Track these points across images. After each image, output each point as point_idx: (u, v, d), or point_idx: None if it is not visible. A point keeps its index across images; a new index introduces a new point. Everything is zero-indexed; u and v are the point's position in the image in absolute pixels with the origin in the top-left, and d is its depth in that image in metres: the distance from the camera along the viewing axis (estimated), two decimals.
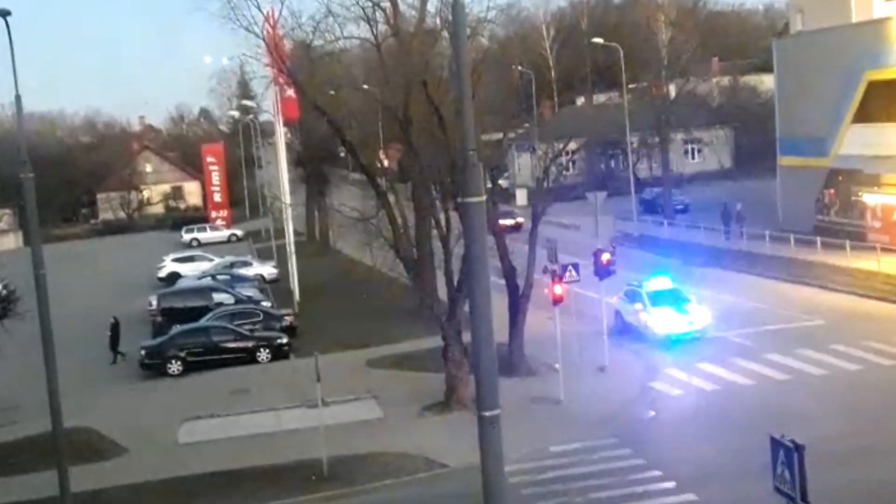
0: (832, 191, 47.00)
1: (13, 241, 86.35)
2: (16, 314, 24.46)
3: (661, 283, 33.91)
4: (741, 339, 31.90)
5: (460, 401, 26.81)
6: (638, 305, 33.40)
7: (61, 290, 38.64)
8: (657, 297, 33.16)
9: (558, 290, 27.35)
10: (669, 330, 32.27)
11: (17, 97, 22.74)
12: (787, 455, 11.32)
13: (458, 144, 18.37)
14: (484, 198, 11.23)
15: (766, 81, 73.93)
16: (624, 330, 32.96)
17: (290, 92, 43.71)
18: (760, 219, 49.04)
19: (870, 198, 43.85)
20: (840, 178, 46.11)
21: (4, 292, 24.49)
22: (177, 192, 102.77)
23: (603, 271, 29.48)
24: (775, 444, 11.53)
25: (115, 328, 38.18)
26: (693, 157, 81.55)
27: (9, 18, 22.09)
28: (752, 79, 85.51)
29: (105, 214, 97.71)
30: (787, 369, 28.23)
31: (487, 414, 11.05)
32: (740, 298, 37.79)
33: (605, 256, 29.43)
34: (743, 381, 27.69)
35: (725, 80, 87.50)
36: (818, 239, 43.03)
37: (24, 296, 23.81)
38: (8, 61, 22.00)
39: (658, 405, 26.18)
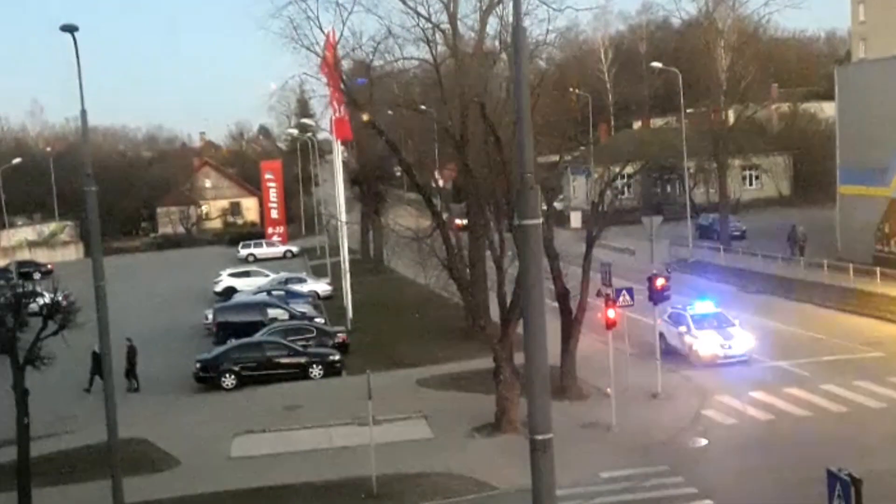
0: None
1: (74, 252, 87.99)
2: (75, 325, 24.84)
3: (706, 305, 33.86)
4: (797, 369, 31.43)
5: (511, 423, 26.72)
6: (682, 328, 33.25)
7: (120, 301, 39.34)
8: (701, 321, 33.09)
9: (611, 314, 27.18)
10: (713, 353, 32.12)
11: (83, 111, 23.20)
12: (844, 489, 11.12)
13: (514, 167, 18.41)
14: (540, 220, 11.26)
15: (827, 109, 73.17)
16: (667, 353, 32.71)
17: (348, 111, 44.10)
18: (819, 247, 48.41)
19: None
20: None
21: (64, 303, 24.87)
22: (234, 208, 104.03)
23: (657, 296, 29.27)
24: (832, 477, 11.34)
25: (131, 352, 36.07)
26: (751, 184, 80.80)
27: (75, 34, 22.63)
28: (812, 106, 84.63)
29: (164, 228, 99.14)
30: (845, 401, 27.73)
31: (540, 438, 11.03)
32: (797, 327, 37.28)
33: (660, 281, 29.22)
34: (798, 412, 27.25)
35: (785, 107, 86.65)
36: (878, 269, 42.34)
37: (84, 307, 24.18)
38: (75, 76, 22.47)
39: (711, 434, 25.87)
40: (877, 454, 22.84)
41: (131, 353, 36.07)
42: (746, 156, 73.39)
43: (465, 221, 35.76)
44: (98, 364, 34.52)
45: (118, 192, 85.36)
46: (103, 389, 22.97)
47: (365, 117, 31.97)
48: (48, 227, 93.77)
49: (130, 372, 36.00)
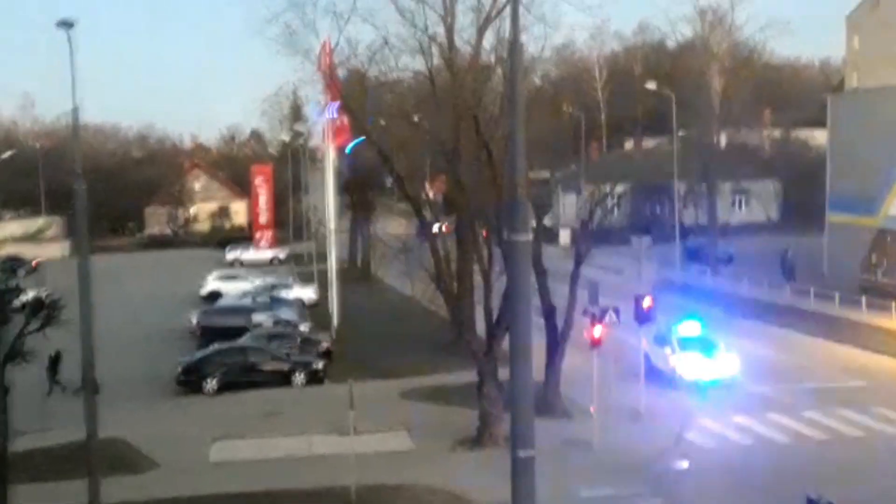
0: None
1: (60, 249, 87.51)
2: (58, 323, 24.67)
3: (691, 326, 33.87)
4: (780, 395, 31.47)
5: (493, 438, 26.65)
6: (667, 349, 33.27)
7: (104, 301, 39.01)
8: (686, 342, 33.12)
9: (597, 332, 27.17)
10: (697, 375, 32.19)
11: (75, 108, 23.12)
12: None
13: (506, 181, 18.38)
14: (530, 236, 11.24)
15: (818, 136, 73.50)
16: (651, 373, 32.67)
17: (342, 119, 44.05)
18: (806, 274, 48.55)
19: None
20: (889, 238, 45.53)
21: (49, 300, 24.70)
22: (223, 211, 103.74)
23: (643, 316, 29.28)
24: (811, 503, 11.35)
25: (54, 360, 34.62)
26: (740, 208, 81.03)
27: (71, 30, 22.54)
28: (803, 133, 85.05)
29: (151, 229, 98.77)
30: (826, 429, 27.78)
31: (522, 454, 11.00)
32: (781, 353, 37.36)
33: (647, 302, 29.23)
34: (780, 438, 27.28)
35: (776, 133, 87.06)
36: (864, 298, 42.46)
37: (68, 305, 24.02)
38: (68, 72, 22.39)
39: (692, 456, 25.83)
40: (856, 482, 22.85)
41: (54, 360, 34.64)
42: (736, 180, 73.62)
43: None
44: (54, 366, 34.36)
45: (107, 190, 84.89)
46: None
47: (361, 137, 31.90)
48: (35, 224, 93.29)
49: (52, 377, 34.77)
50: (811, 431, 27.68)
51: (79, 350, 22.49)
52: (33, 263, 71.36)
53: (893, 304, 40.49)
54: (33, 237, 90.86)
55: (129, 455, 27.44)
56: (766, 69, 74.77)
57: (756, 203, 79.81)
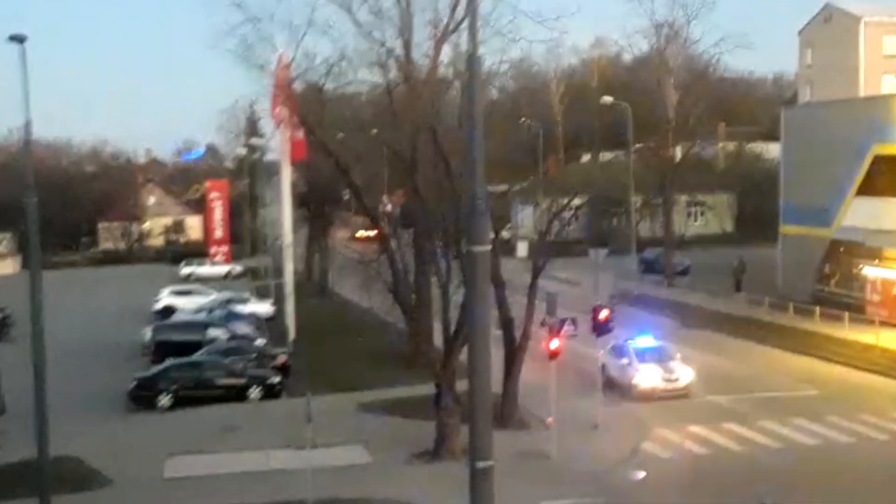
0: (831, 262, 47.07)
1: (11, 265, 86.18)
2: (9, 339, 24.32)
3: (645, 342, 34.12)
4: (735, 405, 31.72)
5: (450, 450, 26.56)
6: (624, 361, 33.44)
7: (57, 317, 38.53)
8: (643, 354, 33.34)
9: (555, 344, 27.22)
10: (653, 386, 32.36)
11: (28, 123, 22.85)
12: None
13: (464, 193, 18.39)
14: (489, 247, 11.23)
15: (772, 149, 74.40)
16: (608, 384, 32.80)
17: (299, 132, 43.83)
18: (760, 285, 49.03)
19: (870, 271, 43.85)
20: (841, 249, 46.16)
21: (0, 316, 24.37)
22: (178, 226, 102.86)
23: (601, 328, 29.39)
24: None
25: None
26: (695, 220, 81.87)
27: (24, 44, 22.26)
28: (757, 146, 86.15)
29: (105, 244, 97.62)
30: (780, 438, 28.04)
31: (480, 465, 10.96)
32: (736, 363, 37.68)
33: (604, 313, 29.34)
34: (735, 447, 27.48)
35: (731, 146, 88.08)
36: (817, 309, 42.99)
37: (19, 321, 23.68)
38: (20, 87, 22.11)
39: (649, 466, 25.92)
40: (810, 489, 23.09)
41: None
42: (692, 192, 74.35)
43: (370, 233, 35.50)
44: None
45: (60, 205, 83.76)
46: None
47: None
48: None
49: None
50: (766, 440, 27.91)
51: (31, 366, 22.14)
52: None
53: (846, 314, 41.04)
54: None
55: (81, 472, 26.97)
56: (720, 83, 75.56)
57: (711, 215, 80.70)
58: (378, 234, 30.30)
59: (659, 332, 36.19)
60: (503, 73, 36.81)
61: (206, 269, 78.75)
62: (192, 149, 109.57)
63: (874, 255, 43.53)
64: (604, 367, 32.84)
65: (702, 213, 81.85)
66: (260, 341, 42.67)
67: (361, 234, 35.77)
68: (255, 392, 34.85)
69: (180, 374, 35.01)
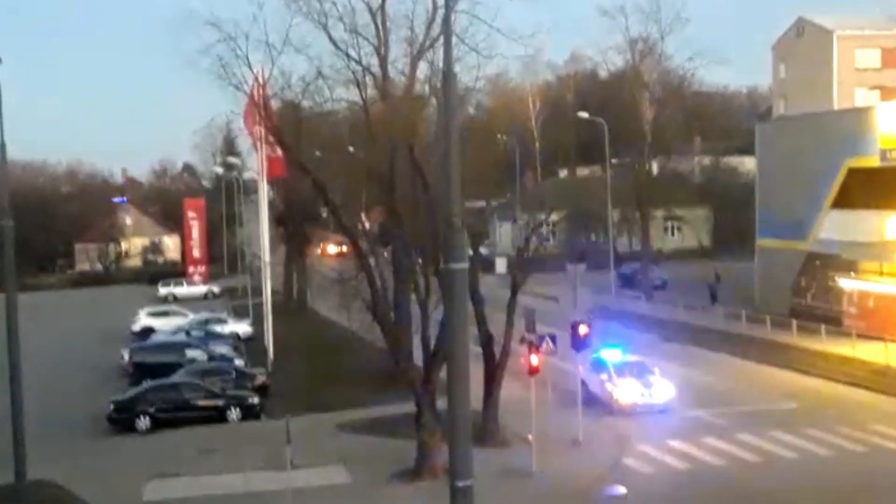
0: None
1: None
2: None
3: (613, 354, 34.19)
4: (714, 419, 31.78)
5: (431, 469, 26.44)
6: (603, 376, 33.47)
7: (33, 339, 38.26)
8: (622, 369, 33.39)
9: (534, 360, 27.19)
10: (633, 401, 32.40)
11: (2, 145, 22.75)
12: None
13: (441, 210, 18.39)
14: (467, 264, 11.21)
15: (748, 163, 75.03)
16: (588, 400, 32.81)
17: (276, 151, 43.74)
18: (737, 299, 49.23)
19: (846, 283, 44.13)
20: (817, 262, 46.44)
21: None
22: (155, 246, 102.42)
23: (580, 343, 29.38)
24: None
25: None
26: (672, 234, 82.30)
27: None
28: (733, 160, 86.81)
29: (82, 265, 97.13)
30: (759, 451, 28.08)
31: (461, 484, 10.93)
32: (714, 377, 37.79)
33: (583, 329, 29.34)
34: (714, 461, 27.50)
35: (707, 160, 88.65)
36: (794, 322, 43.19)
37: None
38: None
39: (630, 482, 25.91)
40: (790, 502, 23.08)
41: None
42: (669, 207, 74.74)
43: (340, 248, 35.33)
44: None
45: (36, 227, 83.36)
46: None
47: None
48: None
49: None
50: (746, 454, 27.95)
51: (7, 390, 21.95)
52: None
53: (822, 326, 41.26)
54: None
55: (60, 496, 26.67)
56: (695, 97, 76.13)
57: (688, 229, 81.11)
58: (352, 248, 30.18)
59: (637, 347, 36.25)
60: (479, 89, 36.93)
61: (184, 290, 78.44)
62: (123, 195, 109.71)
63: (850, 267, 43.83)
64: (583, 382, 32.86)
65: (678, 228, 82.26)
66: (238, 362, 42.47)
67: (334, 250, 35.65)
68: (234, 413, 34.64)
69: (158, 395, 34.77)
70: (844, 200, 44.30)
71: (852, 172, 43.85)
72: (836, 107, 62.49)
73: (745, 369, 39.73)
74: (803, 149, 47.33)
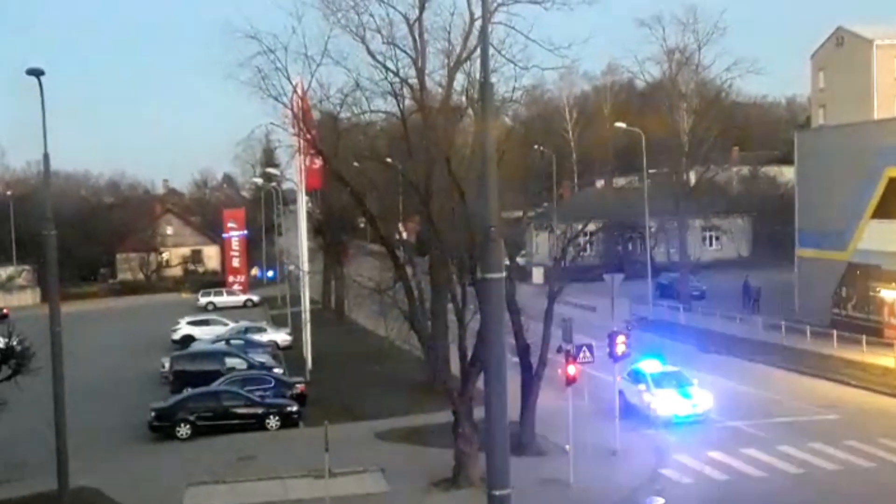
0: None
1: (31, 297, 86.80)
2: (29, 371, 24.51)
3: (651, 365, 34.07)
4: (754, 430, 31.57)
5: (469, 478, 26.50)
6: (641, 386, 33.38)
7: (76, 348, 38.82)
8: (660, 379, 33.27)
9: (572, 370, 27.20)
10: (672, 412, 32.32)
11: (46, 155, 23.14)
12: None
13: (478, 221, 18.51)
14: (504, 274, 11.31)
15: (786, 173, 74.51)
16: (626, 410, 32.73)
17: (315, 162, 44.13)
18: (777, 309, 48.86)
19: (887, 294, 43.70)
20: (858, 272, 46.02)
21: (19, 348, 24.55)
22: (196, 256, 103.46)
23: (618, 354, 29.33)
24: None
25: None
26: (711, 244, 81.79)
27: (41, 78, 22.61)
28: (771, 169, 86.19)
29: (124, 275, 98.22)
30: (800, 463, 27.87)
31: (498, 493, 11.00)
32: (754, 388, 37.52)
33: (621, 339, 29.30)
34: (755, 473, 27.32)
35: (745, 170, 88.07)
36: (834, 332, 42.81)
37: (39, 352, 23.85)
38: (39, 119, 22.42)
39: (668, 493, 25.83)
40: None
41: None
42: (707, 217, 74.31)
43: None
44: None
45: (78, 237, 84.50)
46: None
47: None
48: (5, 272, 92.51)
49: None
50: (785, 465, 27.75)
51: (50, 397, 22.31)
52: (4, 311, 70.78)
53: (863, 337, 40.87)
54: (3, 286, 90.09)
55: (101, 503, 27.08)
56: (733, 107, 75.71)
57: (727, 239, 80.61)
58: (390, 258, 30.37)
59: (675, 357, 36.07)
60: (516, 100, 37.12)
61: (223, 299, 79.15)
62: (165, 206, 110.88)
63: (891, 277, 43.39)
64: (621, 392, 32.81)
65: (717, 238, 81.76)
66: (277, 370, 42.80)
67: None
68: (273, 421, 34.91)
69: (198, 403, 35.13)
70: (885, 210, 43.90)
71: (893, 182, 43.46)
72: (875, 116, 61.96)
73: (784, 379, 39.42)
74: (843, 158, 46.96)
